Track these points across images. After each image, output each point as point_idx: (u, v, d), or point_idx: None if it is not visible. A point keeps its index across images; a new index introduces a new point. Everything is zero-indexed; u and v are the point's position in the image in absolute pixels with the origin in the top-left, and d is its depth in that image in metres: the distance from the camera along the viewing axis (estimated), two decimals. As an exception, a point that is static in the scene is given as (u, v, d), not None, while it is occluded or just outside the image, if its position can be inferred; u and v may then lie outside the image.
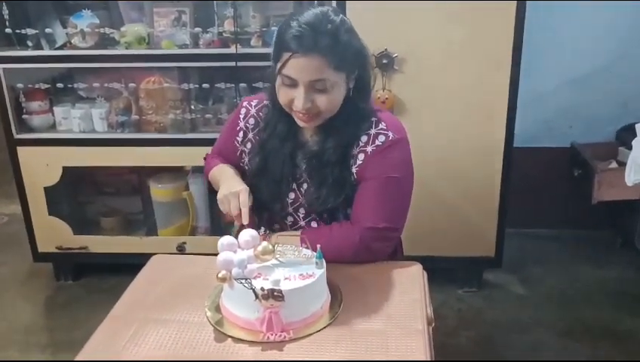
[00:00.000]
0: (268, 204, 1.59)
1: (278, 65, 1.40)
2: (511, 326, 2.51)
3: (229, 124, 1.70)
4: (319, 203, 1.53)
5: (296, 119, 1.48)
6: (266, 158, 1.58)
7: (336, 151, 1.50)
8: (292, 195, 1.58)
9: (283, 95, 1.44)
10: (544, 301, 2.67)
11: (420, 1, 2.27)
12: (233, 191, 1.49)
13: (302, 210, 1.59)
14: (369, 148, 1.49)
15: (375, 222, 1.47)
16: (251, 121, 1.63)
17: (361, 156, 1.50)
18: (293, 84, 1.40)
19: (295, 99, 1.41)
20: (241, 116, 1.65)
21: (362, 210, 1.50)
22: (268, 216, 1.64)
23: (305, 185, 1.57)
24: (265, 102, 1.62)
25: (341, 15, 1.42)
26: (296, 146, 1.57)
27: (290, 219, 1.61)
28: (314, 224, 1.59)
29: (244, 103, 1.66)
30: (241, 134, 1.65)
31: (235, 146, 1.67)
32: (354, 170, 1.51)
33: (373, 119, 1.51)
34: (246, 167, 1.66)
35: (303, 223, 1.60)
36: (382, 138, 1.49)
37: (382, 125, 1.50)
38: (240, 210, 1.47)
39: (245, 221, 1.45)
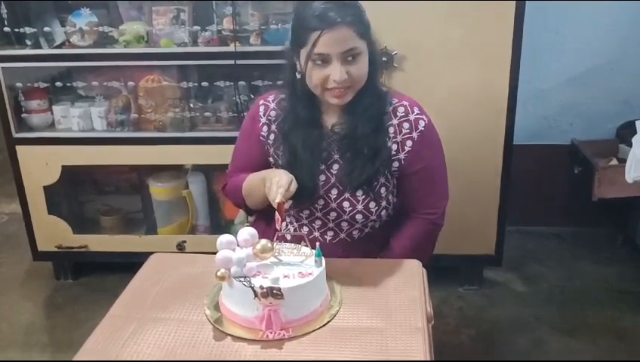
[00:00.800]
0: (299, 189, 1.57)
1: (308, 47, 1.46)
2: (511, 324, 2.50)
3: (247, 126, 1.70)
4: (356, 175, 1.56)
5: (328, 98, 1.52)
6: (293, 146, 1.59)
7: (369, 124, 1.55)
8: (322, 177, 1.60)
9: (316, 76, 1.49)
10: (545, 299, 2.67)
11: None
12: (274, 179, 1.47)
13: (334, 191, 1.60)
14: (414, 135, 1.59)
15: (442, 203, 1.68)
16: (273, 113, 1.65)
17: (409, 143, 1.59)
18: (326, 60, 1.46)
19: (331, 75, 1.46)
20: (261, 113, 1.67)
21: (428, 198, 1.66)
22: (296, 202, 1.62)
23: (335, 166, 1.60)
24: (281, 96, 1.64)
25: None
26: (322, 132, 1.60)
27: (320, 201, 1.62)
28: (346, 203, 1.59)
29: (261, 101, 1.68)
30: (265, 129, 1.66)
31: (261, 142, 1.67)
32: (402, 156, 1.59)
33: (405, 103, 1.60)
34: (271, 159, 1.67)
35: (334, 205, 1.61)
36: (422, 123, 1.60)
37: (416, 110, 1.60)
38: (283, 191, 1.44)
39: (279, 199, 1.41)
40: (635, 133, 2.35)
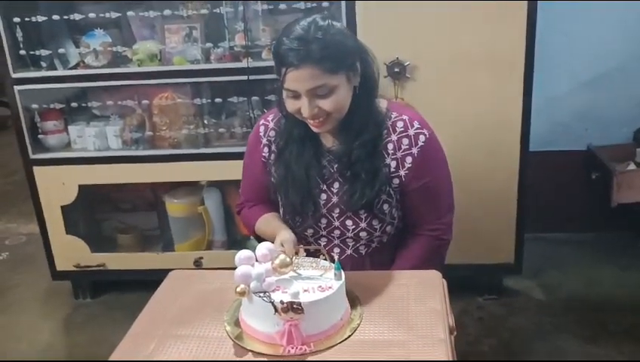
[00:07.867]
0: (300, 208, 1.60)
1: (281, 79, 1.45)
2: (533, 332, 2.48)
3: (250, 149, 1.72)
4: (356, 199, 1.55)
5: (310, 126, 1.51)
6: (289, 164, 1.59)
7: (363, 148, 1.53)
8: (324, 196, 1.60)
9: (290, 105, 1.48)
10: (565, 306, 2.64)
11: (431, 2, 2.27)
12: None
13: (337, 210, 1.60)
14: (414, 150, 1.55)
15: (447, 218, 1.66)
16: (272, 133, 1.66)
17: (409, 159, 1.55)
18: (295, 95, 1.44)
19: (301, 108, 1.45)
20: (261, 133, 1.67)
21: (431, 213, 1.63)
22: (301, 220, 1.63)
23: (336, 185, 1.59)
24: (280, 114, 1.64)
25: (329, 20, 1.45)
26: (320, 150, 1.59)
27: (323, 220, 1.62)
28: (349, 222, 1.59)
29: (261, 122, 1.69)
30: (265, 150, 1.67)
31: (263, 164, 1.67)
32: (402, 172, 1.56)
33: (405, 117, 1.56)
34: (272, 179, 1.67)
35: (337, 223, 1.60)
36: (422, 138, 1.55)
37: (416, 124, 1.56)
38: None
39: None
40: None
